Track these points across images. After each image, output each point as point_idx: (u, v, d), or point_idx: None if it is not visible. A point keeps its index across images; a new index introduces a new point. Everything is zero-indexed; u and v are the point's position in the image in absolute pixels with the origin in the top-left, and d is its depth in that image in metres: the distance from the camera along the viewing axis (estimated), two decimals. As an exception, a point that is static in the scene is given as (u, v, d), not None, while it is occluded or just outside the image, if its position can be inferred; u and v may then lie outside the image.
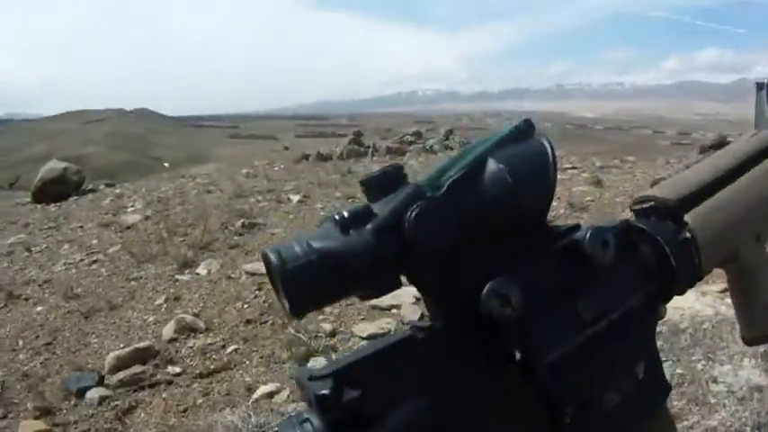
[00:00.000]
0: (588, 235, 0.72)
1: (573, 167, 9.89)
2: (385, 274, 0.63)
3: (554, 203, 0.81)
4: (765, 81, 1.24)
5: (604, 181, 8.44)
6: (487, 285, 0.64)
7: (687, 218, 0.90)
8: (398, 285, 0.64)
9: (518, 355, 0.65)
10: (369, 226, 0.61)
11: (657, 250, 0.84)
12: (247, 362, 3.87)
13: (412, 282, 0.66)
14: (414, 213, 0.61)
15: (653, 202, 0.92)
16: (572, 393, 0.70)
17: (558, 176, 0.71)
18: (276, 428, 0.58)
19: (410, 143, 18.80)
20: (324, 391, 0.56)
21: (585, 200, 7.09)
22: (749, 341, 1.17)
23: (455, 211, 0.64)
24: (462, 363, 0.66)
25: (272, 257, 0.57)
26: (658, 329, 1.49)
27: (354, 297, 0.64)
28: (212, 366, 3.88)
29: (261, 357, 3.89)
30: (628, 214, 1.01)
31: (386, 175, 0.65)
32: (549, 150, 0.70)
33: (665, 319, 1.61)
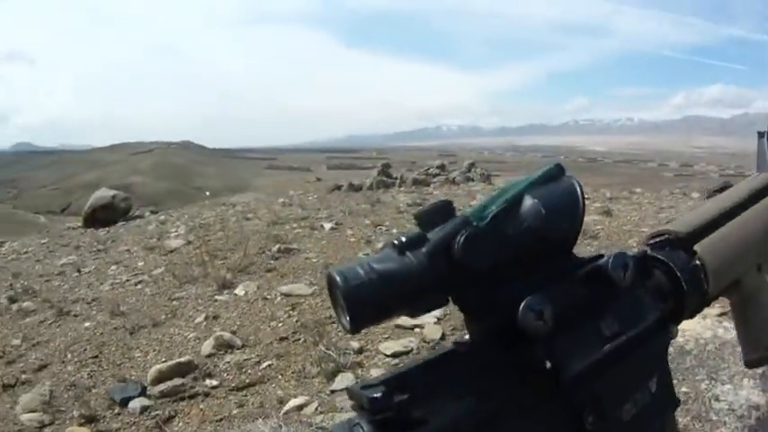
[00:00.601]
0: (611, 259, 0.76)
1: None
2: (435, 293, 0.67)
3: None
4: (766, 130, 1.33)
5: (614, 211, 8.44)
6: (524, 301, 0.67)
7: (696, 248, 0.94)
8: (445, 303, 0.69)
9: (548, 365, 0.68)
10: (423, 249, 0.65)
11: (671, 276, 0.88)
12: (280, 376, 3.97)
13: (456, 301, 0.71)
14: (462, 238, 0.65)
15: (667, 236, 0.96)
16: (592, 403, 0.73)
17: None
18: None
19: (434, 175, 18.84)
20: (376, 395, 0.59)
21: (596, 228, 7.11)
22: (751, 363, 1.22)
23: (497, 238, 0.68)
24: (498, 373, 0.69)
25: (337, 277, 0.61)
26: (666, 351, 1.52)
27: (405, 314, 0.68)
28: (247, 380, 3.99)
29: (292, 372, 3.98)
30: (635, 241, 1.05)
31: (437, 208, 0.69)
32: (578, 189, 0.75)
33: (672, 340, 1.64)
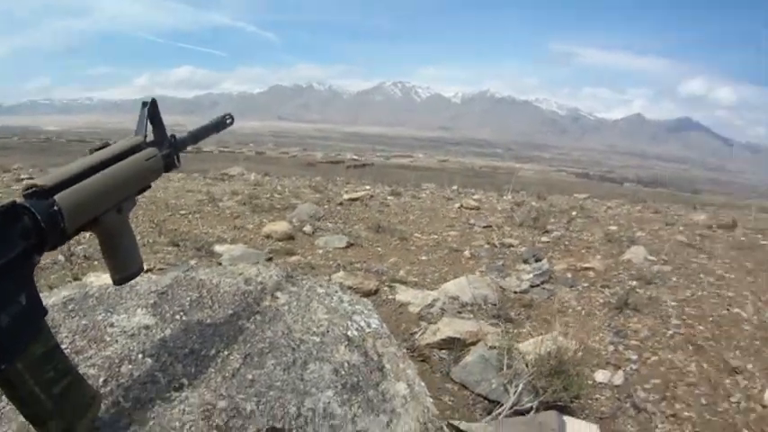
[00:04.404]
0: None
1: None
2: None
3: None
4: (148, 101, 1.60)
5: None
6: None
7: (57, 197, 1.16)
8: None
9: None
10: None
11: (33, 219, 1.09)
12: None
13: None
14: None
15: (35, 188, 1.16)
16: None
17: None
18: None
19: None
20: None
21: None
22: (118, 281, 1.53)
23: None
24: None
25: None
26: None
27: None
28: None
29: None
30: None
31: None
32: None
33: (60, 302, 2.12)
